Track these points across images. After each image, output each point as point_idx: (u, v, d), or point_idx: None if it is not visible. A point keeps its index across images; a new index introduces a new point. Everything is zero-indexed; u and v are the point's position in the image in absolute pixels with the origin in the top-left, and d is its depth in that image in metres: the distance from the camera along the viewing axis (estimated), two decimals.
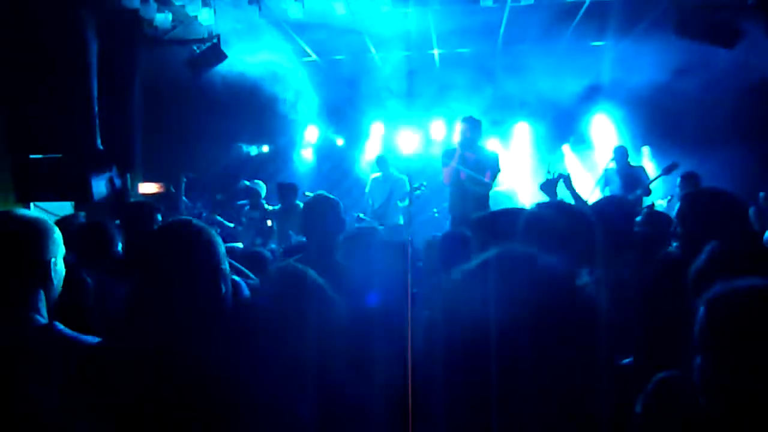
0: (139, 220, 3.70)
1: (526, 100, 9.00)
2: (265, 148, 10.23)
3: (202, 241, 1.60)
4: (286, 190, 6.98)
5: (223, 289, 1.56)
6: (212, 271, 1.56)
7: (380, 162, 8.22)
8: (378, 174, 8.18)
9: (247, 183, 7.82)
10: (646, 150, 9.48)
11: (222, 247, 1.63)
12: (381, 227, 6.60)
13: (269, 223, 6.96)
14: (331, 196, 2.99)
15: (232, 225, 7.46)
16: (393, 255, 2.46)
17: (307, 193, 6.78)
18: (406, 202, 7.57)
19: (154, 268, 1.56)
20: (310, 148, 10.55)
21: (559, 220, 2.09)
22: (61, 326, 1.60)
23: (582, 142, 9.72)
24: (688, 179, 6.51)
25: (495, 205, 5.64)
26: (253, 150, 9.54)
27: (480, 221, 2.45)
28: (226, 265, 1.60)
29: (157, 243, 1.61)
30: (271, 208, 7.42)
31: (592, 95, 8.80)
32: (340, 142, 10.41)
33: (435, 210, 8.06)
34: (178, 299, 1.52)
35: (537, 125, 9.90)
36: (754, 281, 1.30)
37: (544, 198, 3.86)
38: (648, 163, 9.02)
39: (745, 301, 1.28)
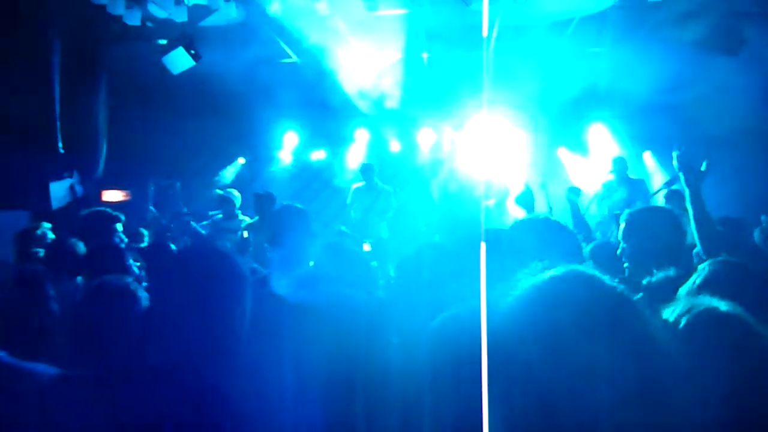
0: (95, 231, 3.67)
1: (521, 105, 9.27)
2: (241, 161, 10.26)
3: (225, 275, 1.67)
4: (263, 201, 7.03)
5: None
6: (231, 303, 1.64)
7: (365, 171, 8.33)
8: (361, 183, 8.32)
9: (221, 192, 7.82)
10: (648, 157, 9.68)
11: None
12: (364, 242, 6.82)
13: (245, 234, 6.83)
14: (299, 206, 3.14)
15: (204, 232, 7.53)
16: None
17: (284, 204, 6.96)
18: (391, 215, 7.87)
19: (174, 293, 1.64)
20: (289, 155, 10.64)
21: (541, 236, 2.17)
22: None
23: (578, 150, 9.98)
24: (673, 197, 6.44)
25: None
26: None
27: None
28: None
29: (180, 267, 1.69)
30: (247, 219, 7.48)
31: (588, 102, 9.00)
32: (322, 154, 10.53)
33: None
34: (193, 324, 1.60)
35: (533, 131, 10.15)
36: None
37: (520, 211, 3.92)
38: (654, 171, 9.23)
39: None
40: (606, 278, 1.32)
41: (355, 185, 8.36)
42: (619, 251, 2.80)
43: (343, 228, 7.38)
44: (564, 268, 1.32)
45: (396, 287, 2.08)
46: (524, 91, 8.68)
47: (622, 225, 2.82)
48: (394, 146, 10.26)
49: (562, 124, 9.68)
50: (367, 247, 6.79)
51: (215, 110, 8.97)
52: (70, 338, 1.96)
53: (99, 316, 1.91)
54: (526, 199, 3.99)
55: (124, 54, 7.41)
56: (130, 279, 2.08)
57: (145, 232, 6.56)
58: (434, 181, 6.52)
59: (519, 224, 2.31)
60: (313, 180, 10.06)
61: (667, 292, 1.95)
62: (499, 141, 9.97)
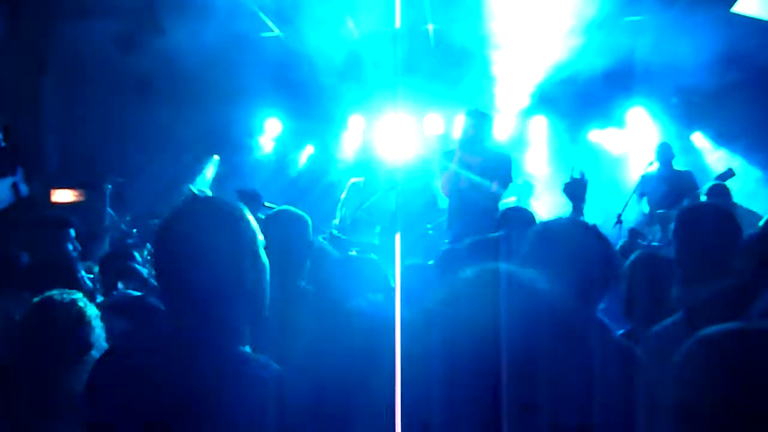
0: (42, 239, 3.70)
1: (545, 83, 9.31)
2: (217, 157, 10.34)
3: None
4: (246, 200, 6.94)
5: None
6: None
7: (366, 166, 8.41)
8: (360, 179, 8.33)
9: (195, 190, 7.65)
10: (700, 139, 9.69)
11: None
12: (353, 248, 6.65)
13: None
14: (299, 212, 3.12)
15: None
16: None
17: (267, 204, 6.91)
18: (390, 214, 7.84)
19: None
20: (271, 144, 10.64)
21: (577, 240, 2.21)
22: None
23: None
24: (716, 190, 6.43)
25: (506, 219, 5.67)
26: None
27: (478, 245, 2.65)
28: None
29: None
30: None
31: (625, 78, 8.98)
32: (310, 148, 10.57)
33: (429, 226, 8.20)
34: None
35: (555, 113, 10.22)
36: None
37: (566, 203, 3.86)
38: (708, 153, 9.32)
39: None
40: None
41: (352, 180, 8.37)
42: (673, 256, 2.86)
43: (335, 231, 7.42)
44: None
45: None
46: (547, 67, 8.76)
47: (672, 226, 2.89)
48: (392, 135, 10.20)
49: (594, 104, 9.75)
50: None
51: (184, 96, 9.01)
52: (11, 362, 2.04)
53: (41, 338, 1.96)
54: (575, 189, 3.85)
55: (77, 33, 7.44)
56: (79, 295, 2.13)
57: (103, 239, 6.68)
58: (442, 176, 6.33)
59: (545, 228, 2.35)
60: (301, 175, 10.13)
61: (723, 308, 2.04)
62: (516, 127, 10.22)
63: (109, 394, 1.62)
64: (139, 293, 3.43)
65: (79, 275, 3.48)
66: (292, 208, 3.20)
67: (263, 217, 5.41)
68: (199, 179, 9.72)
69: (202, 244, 1.69)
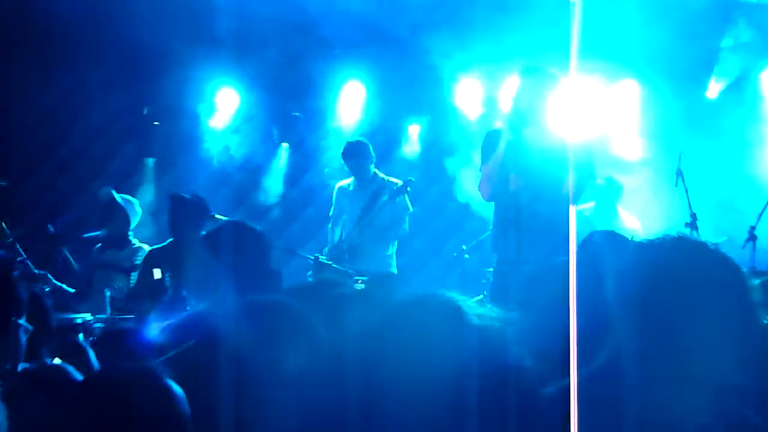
0: None
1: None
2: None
3: None
4: (183, 210, 7.01)
5: None
6: None
7: (352, 155, 8.38)
8: (348, 181, 8.53)
9: (117, 195, 7.80)
10: None
11: None
12: (358, 280, 6.93)
13: (155, 274, 6.91)
14: (254, 227, 3.63)
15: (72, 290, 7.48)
16: None
17: (217, 216, 6.92)
18: (405, 229, 8.09)
19: None
20: (223, 125, 10.53)
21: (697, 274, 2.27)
22: None
23: None
24: None
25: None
26: None
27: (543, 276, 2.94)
28: None
29: None
30: (147, 247, 7.48)
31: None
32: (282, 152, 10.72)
33: (464, 247, 8.26)
34: None
35: (651, 84, 10.37)
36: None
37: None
38: None
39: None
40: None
41: (339, 184, 8.62)
42: None
43: (322, 257, 7.49)
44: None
45: None
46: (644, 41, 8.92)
47: None
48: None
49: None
50: (359, 285, 7.00)
51: (105, 59, 9.06)
52: None
53: None
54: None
55: None
56: None
57: None
58: (483, 170, 6.33)
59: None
60: (267, 172, 10.11)
61: None
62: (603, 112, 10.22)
63: None
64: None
65: None
66: (245, 221, 3.88)
67: (205, 233, 5.54)
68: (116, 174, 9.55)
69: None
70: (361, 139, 8.80)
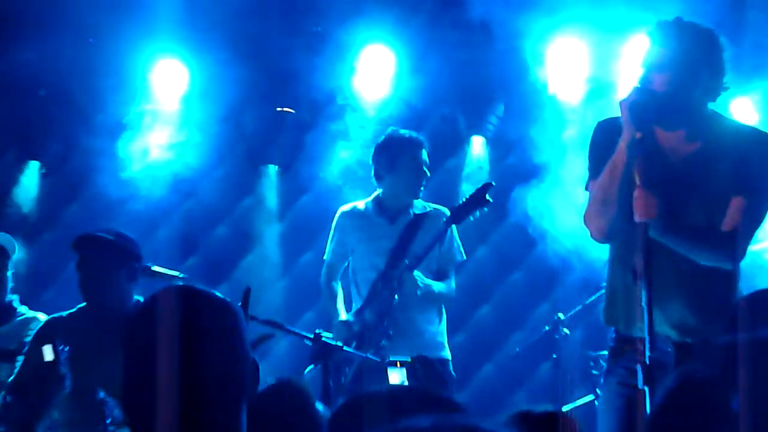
0: None
1: None
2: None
3: None
4: (100, 258, 6.08)
5: None
6: None
7: (379, 156, 6.95)
8: (360, 204, 7.08)
9: None
10: None
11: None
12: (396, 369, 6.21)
13: (46, 354, 5.99)
14: (217, 294, 2.88)
15: None
16: None
17: (156, 269, 6.08)
18: (450, 286, 6.92)
19: None
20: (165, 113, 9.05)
21: None
22: None
23: None
24: None
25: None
26: None
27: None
28: None
29: None
30: (42, 316, 6.49)
31: None
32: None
33: (560, 316, 7.32)
34: None
35: None
36: None
37: None
38: None
39: None
40: None
41: (344, 208, 7.07)
42: None
43: (326, 335, 6.24)
44: None
45: None
46: None
47: None
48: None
49: None
50: (395, 377, 6.36)
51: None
52: None
53: None
54: None
55: None
56: None
57: None
58: (591, 186, 5.06)
59: None
60: (239, 185, 9.04)
61: None
62: None
63: None
64: None
65: None
66: (196, 286, 2.81)
67: (142, 299, 5.12)
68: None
69: None
70: (396, 134, 7.01)
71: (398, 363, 6.16)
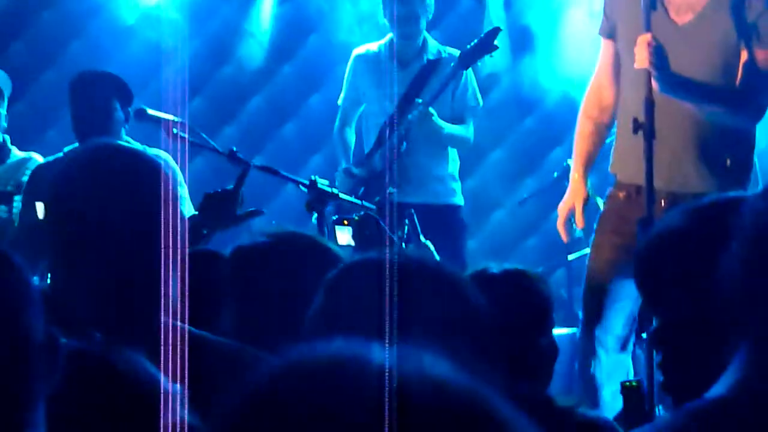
0: None
1: None
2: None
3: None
4: (93, 97, 5.93)
5: None
6: None
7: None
8: (374, 47, 6.76)
9: None
10: None
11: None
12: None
13: (39, 211, 5.71)
14: (140, 152, 3.23)
15: None
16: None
17: (151, 113, 5.59)
18: (469, 136, 6.85)
19: None
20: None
21: None
22: None
23: None
24: None
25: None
26: None
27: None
28: None
29: None
30: (39, 158, 6.39)
31: None
32: None
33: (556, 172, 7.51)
34: None
35: None
36: None
37: None
38: None
39: None
40: None
41: (358, 50, 6.88)
42: None
43: (322, 182, 5.93)
44: None
45: None
46: None
47: None
48: None
49: None
50: (343, 238, 6.02)
51: None
52: None
53: None
54: None
55: None
56: None
57: None
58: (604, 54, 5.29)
59: None
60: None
61: None
62: None
63: None
64: None
65: None
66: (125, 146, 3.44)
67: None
68: None
69: None
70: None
71: (345, 221, 5.72)
